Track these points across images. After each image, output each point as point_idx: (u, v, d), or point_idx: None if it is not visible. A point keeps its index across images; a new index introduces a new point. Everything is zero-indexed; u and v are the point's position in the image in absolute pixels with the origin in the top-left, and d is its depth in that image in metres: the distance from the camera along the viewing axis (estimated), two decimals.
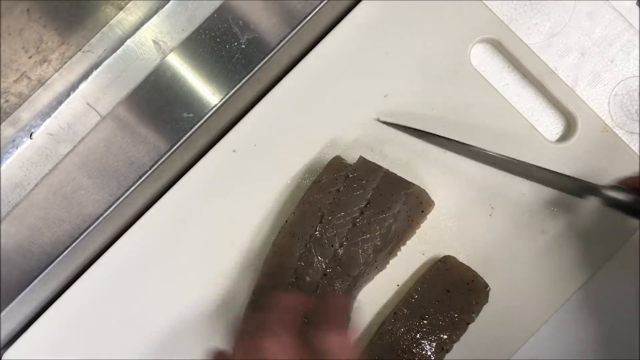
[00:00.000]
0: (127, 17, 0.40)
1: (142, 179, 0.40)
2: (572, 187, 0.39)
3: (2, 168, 0.39)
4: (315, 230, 0.38)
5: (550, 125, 0.43)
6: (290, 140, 0.42)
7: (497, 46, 0.43)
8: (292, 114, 0.43)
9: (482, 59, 0.44)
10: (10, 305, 0.39)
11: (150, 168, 0.40)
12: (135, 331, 0.41)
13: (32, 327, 0.41)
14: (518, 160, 0.39)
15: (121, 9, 0.40)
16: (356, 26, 0.43)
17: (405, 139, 0.42)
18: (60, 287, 0.43)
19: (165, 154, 0.40)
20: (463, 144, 0.40)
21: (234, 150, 0.42)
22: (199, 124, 0.40)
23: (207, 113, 0.40)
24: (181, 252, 0.42)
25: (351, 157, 0.42)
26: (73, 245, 0.39)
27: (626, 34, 0.43)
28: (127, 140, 0.40)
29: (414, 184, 0.39)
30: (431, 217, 0.41)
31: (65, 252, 0.39)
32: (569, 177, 0.38)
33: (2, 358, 0.41)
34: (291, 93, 0.43)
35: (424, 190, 0.40)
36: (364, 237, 0.37)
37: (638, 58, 0.43)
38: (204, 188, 0.42)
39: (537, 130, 0.42)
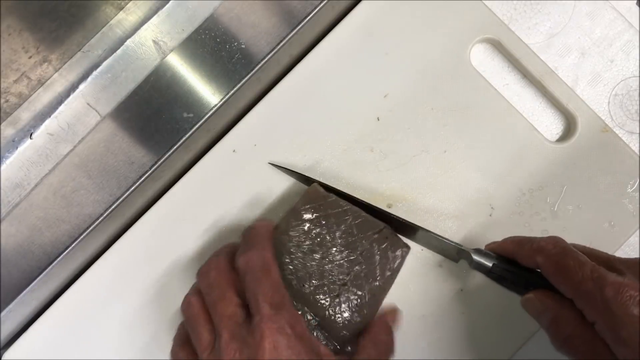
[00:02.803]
0: (127, 17, 0.40)
1: (142, 179, 0.40)
2: (450, 251, 0.39)
3: (2, 168, 0.39)
4: (284, 267, 0.37)
5: (550, 125, 0.43)
6: (290, 140, 0.42)
7: (497, 46, 0.43)
8: (292, 114, 0.43)
9: (482, 59, 0.44)
10: (10, 305, 0.39)
11: (150, 168, 0.40)
12: (135, 331, 0.41)
13: (32, 327, 0.41)
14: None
15: (121, 9, 0.40)
16: (356, 26, 0.43)
17: (405, 139, 0.42)
18: (60, 287, 0.43)
19: (165, 154, 0.40)
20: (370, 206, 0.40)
21: (234, 150, 0.42)
22: (199, 124, 0.40)
23: (207, 113, 0.40)
24: (181, 252, 0.42)
25: (351, 158, 0.42)
26: (73, 245, 0.39)
27: (626, 34, 0.43)
28: (127, 140, 0.40)
29: (383, 225, 0.38)
30: (431, 217, 0.41)
31: (65, 252, 0.39)
32: (447, 240, 0.39)
33: (2, 358, 0.41)
34: (291, 93, 0.43)
35: (394, 232, 0.39)
36: (330, 277, 0.37)
37: (638, 58, 0.43)
38: (204, 188, 0.42)
39: (537, 130, 0.42)
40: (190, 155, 0.43)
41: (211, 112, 0.40)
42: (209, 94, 0.40)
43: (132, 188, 0.40)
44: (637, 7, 0.44)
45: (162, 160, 0.40)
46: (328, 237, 0.38)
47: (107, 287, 0.41)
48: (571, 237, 0.40)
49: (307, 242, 0.37)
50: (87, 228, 0.40)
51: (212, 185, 0.42)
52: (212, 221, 0.42)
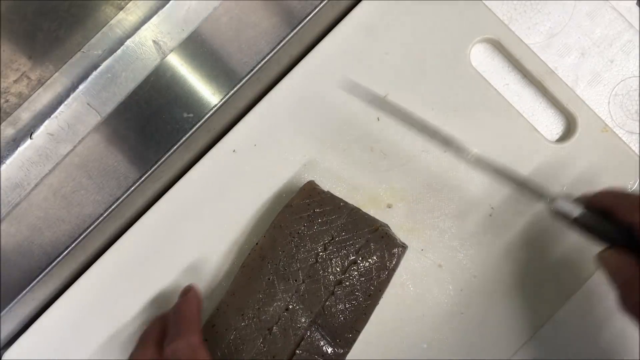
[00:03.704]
0: (127, 17, 0.40)
1: (142, 179, 0.40)
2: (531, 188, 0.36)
3: (2, 168, 0.39)
4: (280, 263, 0.37)
5: (550, 125, 0.43)
6: (290, 140, 0.42)
7: (497, 46, 0.43)
8: (292, 113, 0.43)
9: (482, 59, 0.44)
10: (10, 305, 0.39)
11: (150, 168, 0.40)
12: (135, 331, 0.41)
13: (32, 327, 0.41)
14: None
15: (121, 9, 0.40)
16: (356, 26, 0.43)
17: (405, 139, 0.42)
18: (60, 287, 0.43)
19: (165, 154, 0.40)
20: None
21: (234, 150, 0.42)
22: (199, 124, 0.40)
23: (207, 113, 0.40)
24: (181, 252, 0.42)
25: (351, 157, 0.42)
26: (73, 245, 0.40)
27: (626, 34, 0.43)
28: (127, 140, 0.40)
29: (379, 223, 0.38)
30: (431, 217, 0.41)
31: (65, 252, 0.39)
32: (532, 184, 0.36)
33: (2, 358, 0.41)
34: (291, 93, 0.43)
35: (390, 230, 0.38)
36: (325, 273, 0.37)
37: (638, 58, 0.43)
38: (204, 188, 0.42)
39: (537, 130, 0.42)
40: (190, 155, 0.43)
41: (211, 112, 0.40)
42: (209, 94, 0.40)
43: (132, 188, 0.40)
44: (637, 7, 0.44)
45: (162, 160, 0.40)
46: (323, 234, 0.38)
47: (106, 287, 0.41)
48: (571, 237, 0.40)
49: (302, 238, 0.37)
50: (87, 228, 0.40)
51: (212, 185, 0.42)
52: (212, 221, 0.42)
